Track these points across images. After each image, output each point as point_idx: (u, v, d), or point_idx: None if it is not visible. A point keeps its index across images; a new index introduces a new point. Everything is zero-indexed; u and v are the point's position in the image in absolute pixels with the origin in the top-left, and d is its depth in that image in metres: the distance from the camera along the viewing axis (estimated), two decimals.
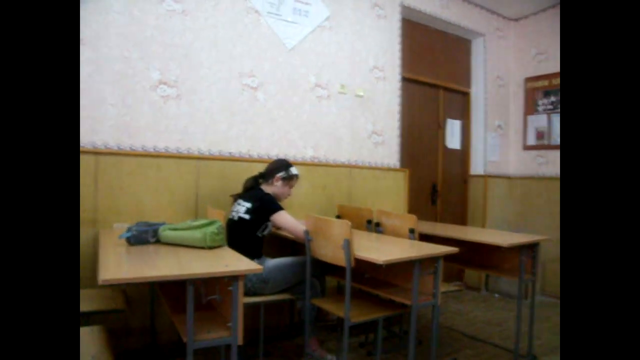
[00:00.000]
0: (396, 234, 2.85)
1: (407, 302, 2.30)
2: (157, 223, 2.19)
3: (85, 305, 2.30)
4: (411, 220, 2.76)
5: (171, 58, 2.86)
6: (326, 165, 3.54)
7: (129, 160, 2.71)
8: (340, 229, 2.22)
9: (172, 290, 2.27)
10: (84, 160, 2.59)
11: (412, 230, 2.70)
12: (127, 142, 2.73)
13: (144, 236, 2.10)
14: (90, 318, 2.26)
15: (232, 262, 1.81)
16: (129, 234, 2.07)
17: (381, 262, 2.01)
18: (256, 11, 3.20)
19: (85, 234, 2.60)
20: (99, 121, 2.65)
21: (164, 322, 2.78)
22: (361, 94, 3.74)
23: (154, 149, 2.80)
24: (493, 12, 4.82)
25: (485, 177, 4.77)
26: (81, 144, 2.61)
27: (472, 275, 4.72)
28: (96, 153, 2.62)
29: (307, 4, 3.44)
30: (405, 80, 4.15)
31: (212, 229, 2.04)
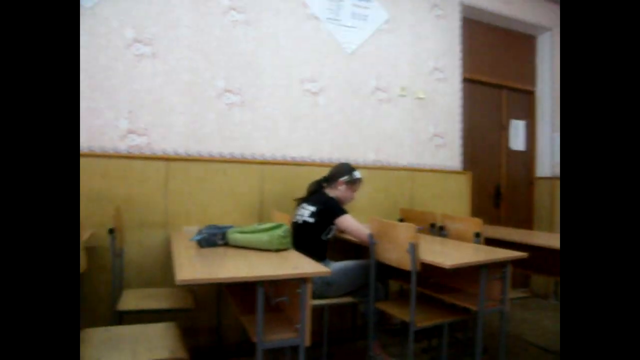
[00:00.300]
0: (461, 237, 2.79)
1: (473, 307, 2.24)
2: (225, 226, 2.26)
3: (157, 303, 2.42)
4: (477, 224, 2.69)
5: (235, 67, 2.96)
6: (388, 168, 3.52)
7: (196, 165, 2.83)
8: (405, 232, 2.20)
9: (238, 292, 2.34)
10: (156, 166, 2.73)
11: (477, 234, 2.63)
12: (195, 148, 2.85)
13: (214, 239, 2.18)
14: (163, 315, 2.37)
15: (300, 265, 1.84)
16: (199, 237, 2.16)
17: (448, 267, 1.97)
18: (316, 17, 3.25)
19: (156, 236, 2.74)
20: (168, 129, 2.79)
21: (229, 322, 2.87)
22: (422, 96, 3.70)
23: (220, 155, 2.90)
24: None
25: (553, 179, 4.57)
26: (153, 151, 2.75)
27: (539, 282, 4.52)
28: (166, 159, 2.76)
29: (365, 7, 3.45)
30: (467, 81, 4.06)
31: (279, 232, 2.08)
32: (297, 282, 1.74)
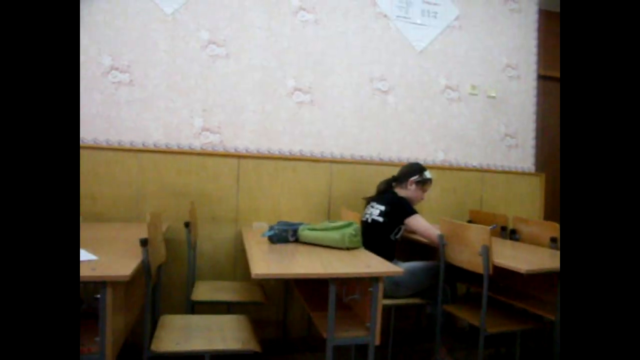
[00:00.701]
0: (535, 242, 2.67)
1: (550, 316, 2.15)
2: (296, 223, 2.30)
3: (229, 296, 2.50)
4: (553, 228, 2.57)
5: (305, 66, 3.00)
6: (457, 169, 3.44)
7: (267, 163, 2.90)
8: (477, 234, 2.14)
9: (306, 287, 2.38)
10: (228, 163, 2.83)
11: (554, 239, 2.51)
12: (266, 146, 2.92)
13: (285, 235, 2.22)
14: (233, 307, 2.45)
15: (372, 264, 1.84)
16: (271, 233, 2.21)
17: (524, 272, 1.90)
18: (385, 16, 3.23)
19: (227, 230, 2.84)
20: (241, 127, 2.88)
21: (295, 316, 2.93)
22: (493, 94, 3.58)
23: (290, 153, 2.96)
24: None
25: None
26: (225, 149, 2.85)
27: None
28: (238, 156, 2.85)
29: (435, 4, 3.39)
30: (542, 78, 3.88)
31: (349, 230, 2.09)
32: (369, 281, 1.74)
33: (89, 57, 2.74)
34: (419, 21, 3.34)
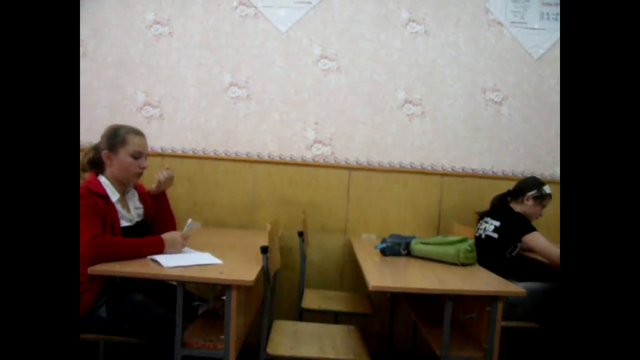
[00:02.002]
0: None
1: None
2: (408, 236, 2.28)
3: (336, 305, 2.53)
4: None
5: (416, 77, 2.98)
6: None
7: (377, 175, 2.92)
8: None
9: (416, 302, 2.34)
10: (338, 174, 2.90)
11: None
12: (376, 158, 2.93)
13: (397, 248, 2.21)
14: (340, 318, 2.48)
15: (490, 282, 1.77)
16: (383, 245, 2.21)
17: None
18: (498, 22, 3.10)
19: (336, 241, 2.90)
20: (351, 139, 2.92)
21: (400, 330, 2.89)
22: None
23: (400, 165, 2.94)
24: None
25: None
26: (336, 160, 2.91)
27: None
28: (349, 168, 2.90)
29: (557, 5, 3.18)
30: None
31: (464, 246, 2.03)
32: (487, 300, 1.67)
33: (212, 75, 2.96)
34: (536, 26, 3.16)
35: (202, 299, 2.03)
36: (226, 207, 2.92)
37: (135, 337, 1.80)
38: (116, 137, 1.96)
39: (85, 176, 1.97)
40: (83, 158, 2.01)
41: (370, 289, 1.60)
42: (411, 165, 2.95)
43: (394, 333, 2.90)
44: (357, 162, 2.92)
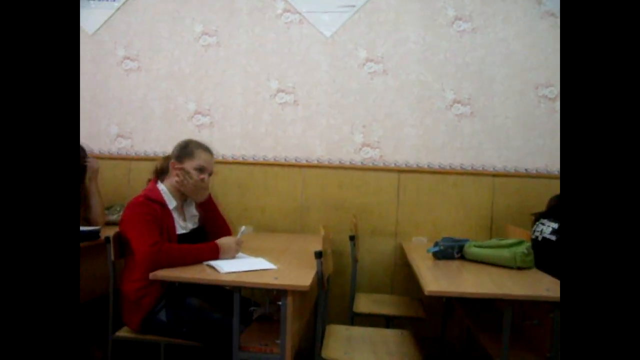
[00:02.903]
0: None
1: None
2: (461, 239, 2.23)
3: (388, 309, 2.52)
4: None
5: (464, 77, 2.92)
6: None
7: (427, 177, 2.88)
8: None
9: (468, 305, 2.29)
10: (388, 177, 2.88)
11: None
12: (426, 160, 2.89)
13: (451, 252, 2.17)
14: (391, 321, 2.46)
15: (551, 287, 1.71)
16: (436, 249, 2.18)
17: None
18: (552, 14, 2.99)
19: (386, 244, 2.88)
20: (400, 141, 2.90)
21: (453, 334, 2.84)
22: None
23: (450, 166, 2.89)
24: None
25: None
26: (385, 163, 2.89)
27: None
28: (398, 171, 2.88)
29: None
30: None
31: (521, 249, 1.97)
32: (549, 306, 1.61)
33: (259, 82, 3.01)
34: None
35: (256, 303, 2.06)
36: (276, 212, 2.97)
37: (194, 340, 1.86)
38: (185, 148, 2.04)
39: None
40: (155, 165, 2.11)
41: (426, 293, 1.58)
42: (461, 167, 2.89)
43: (447, 338, 2.85)
44: (406, 165, 2.90)
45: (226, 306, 2.01)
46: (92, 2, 3.31)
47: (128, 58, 3.22)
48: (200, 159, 2.02)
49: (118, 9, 3.25)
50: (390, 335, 2.10)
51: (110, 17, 3.26)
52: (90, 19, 3.30)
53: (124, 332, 1.95)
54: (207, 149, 2.08)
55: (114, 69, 3.24)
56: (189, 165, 2.00)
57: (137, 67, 3.20)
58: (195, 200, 2.08)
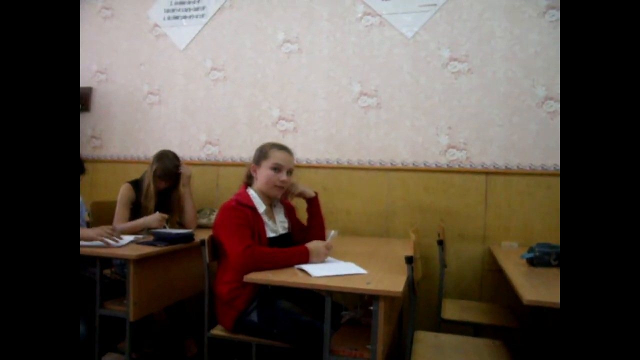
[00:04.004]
0: None
1: None
2: (558, 245, 2.10)
3: (478, 317, 2.41)
4: None
5: (556, 71, 2.74)
6: None
7: (517, 179, 2.74)
8: None
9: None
10: (475, 179, 2.78)
11: None
12: (515, 161, 2.75)
13: (547, 258, 2.05)
14: (480, 329, 2.36)
15: None
16: (531, 255, 2.06)
17: None
18: None
19: (474, 249, 2.77)
20: (487, 142, 2.78)
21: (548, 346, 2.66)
22: None
23: (542, 167, 2.73)
24: None
25: None
26: (472, 165, 2.79)
27: None
28: (486, 173, 2.76)
29: None
30: None
31: None
32: None
33: (341, 87, 3.03)
34: None
35: (344, 307, 2.07)
36: (361, 215, 2.96)
37: (284, 342, 1.89)
38: (261, 151, 2.10)
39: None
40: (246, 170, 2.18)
41: (524, 302, 1.50)
42: (555, 168, 2.71)
43: (542, 350, 2.69)
44: (494, 166, 2.77)
45: (315, 309, 2.04)
46: (183, 20, 3.51)
47: (215, 69, 3.37)
48: (274, 157, 2.05)
49: (205, 24, 3.42)
50: (482, 345, 2.02)
51: (199, 32, 3.44)
52: (181, 36, 3.51)
53: (218, 331, 2.03)
54: (281, 147, 2.11)
55: (202, 80, 3.41)
56: (265, 165, 2.05)
57: (223, 77, 3.34)
58: (272, 197, 2.11)
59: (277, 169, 2.05)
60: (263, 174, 2.06)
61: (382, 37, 2.99)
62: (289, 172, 2.09)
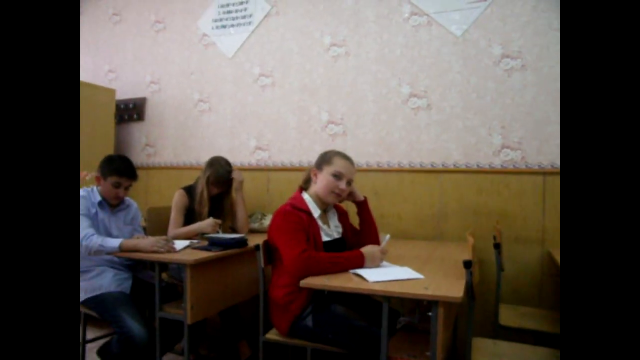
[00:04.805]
0: None
1: None
2: None
3: (538, 324, 2.32)
4: None
5: None
6: None
7: None
8: None
9: None
10: (531, 180, 2.67)
11: None
12: None
13: None
14: (541, 338, 2.26)
15: None
16: None
17: None
18: None
19: (532, 252, 2.67)
20: (544, 141, 2.67)
21: None
22: None
23: None
24: None
25: None
26: (527, 165, 2.69)
27: None
28: (543, 173, 2.66)
29: None
30: None
31: None
32: None
33: (390, 89, 3.00)
34: None
35: (402, 313, 2.04)
36: (413, 218, 2.91)
37: (339, 347, 1.88)
38: (324, 156, 2.11)
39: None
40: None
41: None
42: None
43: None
44: (552, 166, 2.65)
45: (369, 314, 2.02)
46: (231, 28, 3.58)
47: (263, 75, 3.42)
48: (337, 165, 2.05)
49: (252, 32, 3.47)
50: (544, 355, 1.93)
51: (246, 40, 3.49)
52: (229, 44, 3.58)
53: (273, 335, 2.04)
54: (345, 157, 2.10)
55: (250, 87, 3.46)
56: (327, 171, 2.05)
57: (271, 83, 3.38)
58: (327, 203, 2.11)
59: (338, 176, 2.04)
60: (323, 179, 2.06)
61: (430, 37, 2.94)
62: (349, 182, 2.09)
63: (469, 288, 1.71)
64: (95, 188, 2.41)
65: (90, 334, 2.62)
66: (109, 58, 4.18)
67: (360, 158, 3.05)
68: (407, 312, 2.03)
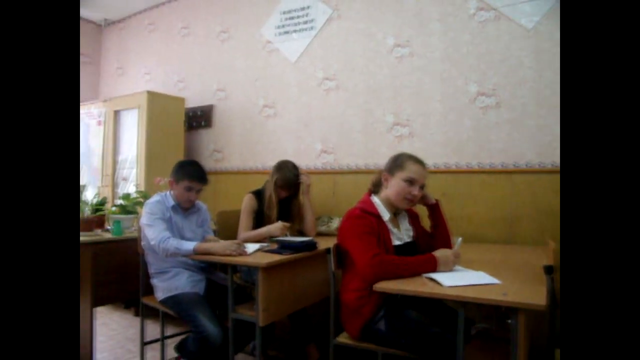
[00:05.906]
0: None
1: None
2: None
3: None
4: None
5: None
6: None
7: None
8: None
9: None
10: None
11: None
12: None
13: None
14: None
15: None
16: None
17: None
18: None
19: None
20: None
21: None
22: None
23: None
24: None
25: None
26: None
27: None
28: None
29: None
30: None
31: None
32: None
33: (457, 88, 2.93)
34: None
35: (477, 320, 1.99)
36: (483, 221, 2.82)
37: (412, 353, 1.85)
38: (396, 161, 2.08)
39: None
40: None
41: None
42: None
43: None
44: None
45: (443, 320, 1.97)
46: (293, 34, 3.64)
47: (327, 79, 3.44)
48: (410, 170, 2.02)
49: (315, 36, 3.51)
50: None
51: (309, 44, 3.53)
52: (292, 50, 3.64)
53: (343, 338, 2.04)
54: (418, 161, 2.07)
55: (314, 91, 3.49)
56: (399, 176, 2.02)
57: (335, 86, 3.40)
58: (399, 207, 2.09)
59: (410, 182, 2.02)
60: (395, 185, 2.04)
61: (498, 32, 2.83)
62: (422, 186, 2.06)
63: (551, 295, 1.63)
64: (169, 193, 2.53)
65: (169, 331, 2.76)
66: (178, 69, 4.38)
67: (428, 159, 2.93)
68: (482, 318, 1.97)
